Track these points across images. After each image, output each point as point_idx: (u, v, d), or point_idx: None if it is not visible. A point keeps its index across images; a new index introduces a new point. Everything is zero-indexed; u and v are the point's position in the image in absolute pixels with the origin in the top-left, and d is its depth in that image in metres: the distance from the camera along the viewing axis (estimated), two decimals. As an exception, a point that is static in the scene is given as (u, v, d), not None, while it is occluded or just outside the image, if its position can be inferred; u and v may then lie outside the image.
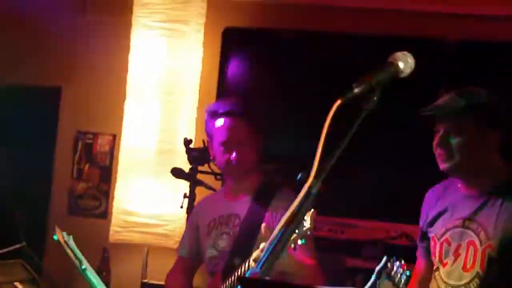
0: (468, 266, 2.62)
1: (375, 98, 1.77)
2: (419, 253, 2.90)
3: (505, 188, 2.63)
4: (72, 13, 5.25)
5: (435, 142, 2.68)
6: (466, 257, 2.63)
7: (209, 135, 3.27)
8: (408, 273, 2.48)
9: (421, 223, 2.87)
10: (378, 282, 2.44)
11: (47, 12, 5.20)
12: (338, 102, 1.72)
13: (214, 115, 3.21)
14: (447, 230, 2.72)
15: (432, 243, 2.78)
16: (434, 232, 2.79)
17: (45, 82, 5.32)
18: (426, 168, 2.79)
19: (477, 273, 2.59)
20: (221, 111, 3.19)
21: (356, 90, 1.76)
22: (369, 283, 2.48)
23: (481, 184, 2.67)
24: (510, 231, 2.56)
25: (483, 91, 2.68)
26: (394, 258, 2.50)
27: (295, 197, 3.01)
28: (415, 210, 2.92)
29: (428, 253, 2.82)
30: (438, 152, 2.67)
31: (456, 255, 2.67)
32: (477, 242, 2.61)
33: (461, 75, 4.34)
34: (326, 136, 1.71)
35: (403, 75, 1.82)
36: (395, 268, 2.47)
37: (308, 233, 2.34)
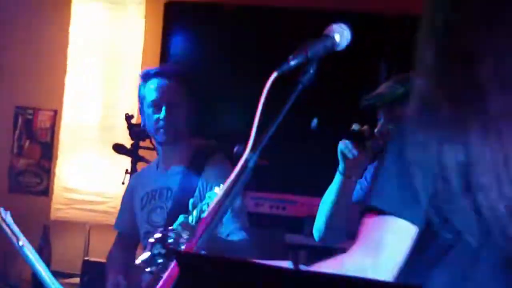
0: None
1: (311, 71, 1.75)
2: None
3: None
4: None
5: (376, 130, 2.67)
6: None
7: (141, 99, 3.22)
8: None
9: None
10: None
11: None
12: (274, 74, 1.69)
13: (146, 77, 3.18)
14: None
15: None
16: None
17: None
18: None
19: None
20: (152, 72, 3.17)
21: (292, 63, 1.73)
22: None
23: None
24: None
25: None
26: None
27: (229, 164, 3.01)
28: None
29: None
30: (381, 142, 2.67)
31: None
32: None
33: (400, 50, 4.37)
34: (262, 109, 1.68)
35: (339, 48, 1.80)
36: None
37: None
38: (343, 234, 2.83)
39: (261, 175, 3.11)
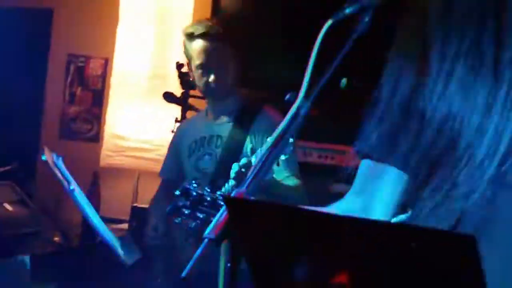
0: None
1: (366, 19, 1.72)
2: None
3: None
4: None
5: None
6: None
7: (187, 57, 3.22)
8: None
9: None
10: None
11: None
12: (328, 22, 1.67)
13: (190, 37, 3.16)
14: None
15: None
16: None
17: (37, 4, 5.24)
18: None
19: None
20: (197, 33, 3.14)
21: (347, 11, 1.71)
22: None
23: None
24: None
25: None
26: None
27: (279, 116, 3.01)
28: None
29: None
30: None
31: None
32: None
33: None
34: (316, 56, 1.67)
35: (396, -4, 1.78)
36: None
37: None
38: None
39: (309, 124, 3.11)
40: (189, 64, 3.25)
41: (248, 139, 3.10)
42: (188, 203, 2.32)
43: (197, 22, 3.22)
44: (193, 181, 2.59)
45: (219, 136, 3.19)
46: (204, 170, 3.18)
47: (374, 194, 1.61)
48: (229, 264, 1.48)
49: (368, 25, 1.75)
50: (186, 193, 2.35)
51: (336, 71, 1.74)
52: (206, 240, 1.53)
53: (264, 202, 1.55)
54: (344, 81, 2.50)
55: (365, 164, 1.63)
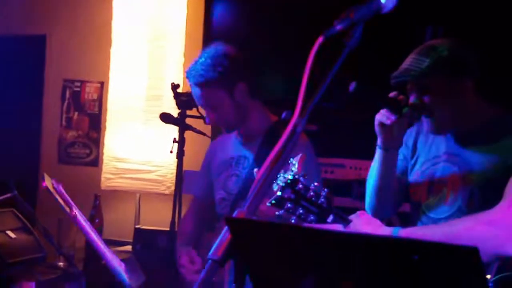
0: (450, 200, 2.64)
1: (356, 35, 1.75)
2: None
3: (487, 126, 2.63)
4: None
5: (410, 103, 2.66)
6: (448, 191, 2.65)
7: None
8: None
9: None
10: None
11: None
12: (320, 39, 1.70)
13: (187, 78, 3.21)
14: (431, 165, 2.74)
15: (414, 178, 2.79)
16: (416, 167, 2.80)
17: (30, 31, 5.27)
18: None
19: (459, 207, 2.61)
20: (189, 82, 3.19)
21: (338, 27, 1.74)
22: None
23: (469, 128, 2.66)
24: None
25: (445, 42, 2.65)
26: None
27: (307, 142, 3.02)
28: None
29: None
30: (416, 114, 2.67)
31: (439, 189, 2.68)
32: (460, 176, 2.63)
33: (445, 11, 4.33)
34: (310, 73, 1.69)
35: (385, 10, 1.80)
36: None
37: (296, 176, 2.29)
38: (395, 207, 2.85)
39: (309, 139, 3.13)
40: None
41: None
42: (293, 196, 2.26)
43: (190, 66, 3.23)
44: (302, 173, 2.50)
45: (246, 157, 3.22)
46: (231, 191, 3.21)
47: None
48: (234, 285, 1.50)
49: (358, 39, 1.78)
50: (294, 183, 2.27)
51: (329, 86, 1.76)
52: (209, 261, 1.54)
53: (265, 221, 1.57)
54: (354, 84, 2.52)
55: None
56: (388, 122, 2.62)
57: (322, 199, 2.26)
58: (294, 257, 1.42)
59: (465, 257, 1.10)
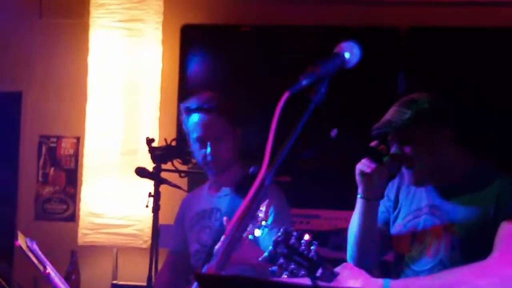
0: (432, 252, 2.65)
1: (322, 90, 1.78)
2: None
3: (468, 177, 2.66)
4: (28, 17, 5.22)
5: (390, 153, 2.70)
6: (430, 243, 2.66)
7: (186, 131, 3.28)
8: None
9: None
10: None
11: (2, 16, 5.16)
12: (286, 94, 1.73)
13: (188, 111, 3.23)
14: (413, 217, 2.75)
15: (397, 230, 2.81)
16: (398, 220, 2.82)
17: (5, 88, 5.28)
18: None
19: (441, 259, 2.62)
20: (193, 107, 3.20)
21: (303, 82, 1.77)
22: None
23: (450, 181, 2.69)
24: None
25: (425, 94, 2.71)
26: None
27: (275, 187, 3.04)
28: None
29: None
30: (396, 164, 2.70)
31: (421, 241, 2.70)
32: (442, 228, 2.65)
33: (415, 62, 4.40)
34: (276, 128, 1.72)
35: (349, 65, 1.84)
36: None
37: (263, 223, 2.31)
38: (378, 257, 2.85)
39: (283, 191, 3.15)
40: (187, 138, 3.31)
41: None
42: (286, 250, 2.25)
43: (194, 96, 3.28)
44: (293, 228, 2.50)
45: (218, 210, 3.23)
46: (204, 243, 3.21)
47: None
48: None
49: (324, 95, 1.81)
50: (286, 238, 2.26)
51: (296, 141, 1.79)
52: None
53: (234, 276, 1.57)
54: (335, 131, 2.56)
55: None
56: (368, 170, 2.65)
57: (313, 253, 2.27)
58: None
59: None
